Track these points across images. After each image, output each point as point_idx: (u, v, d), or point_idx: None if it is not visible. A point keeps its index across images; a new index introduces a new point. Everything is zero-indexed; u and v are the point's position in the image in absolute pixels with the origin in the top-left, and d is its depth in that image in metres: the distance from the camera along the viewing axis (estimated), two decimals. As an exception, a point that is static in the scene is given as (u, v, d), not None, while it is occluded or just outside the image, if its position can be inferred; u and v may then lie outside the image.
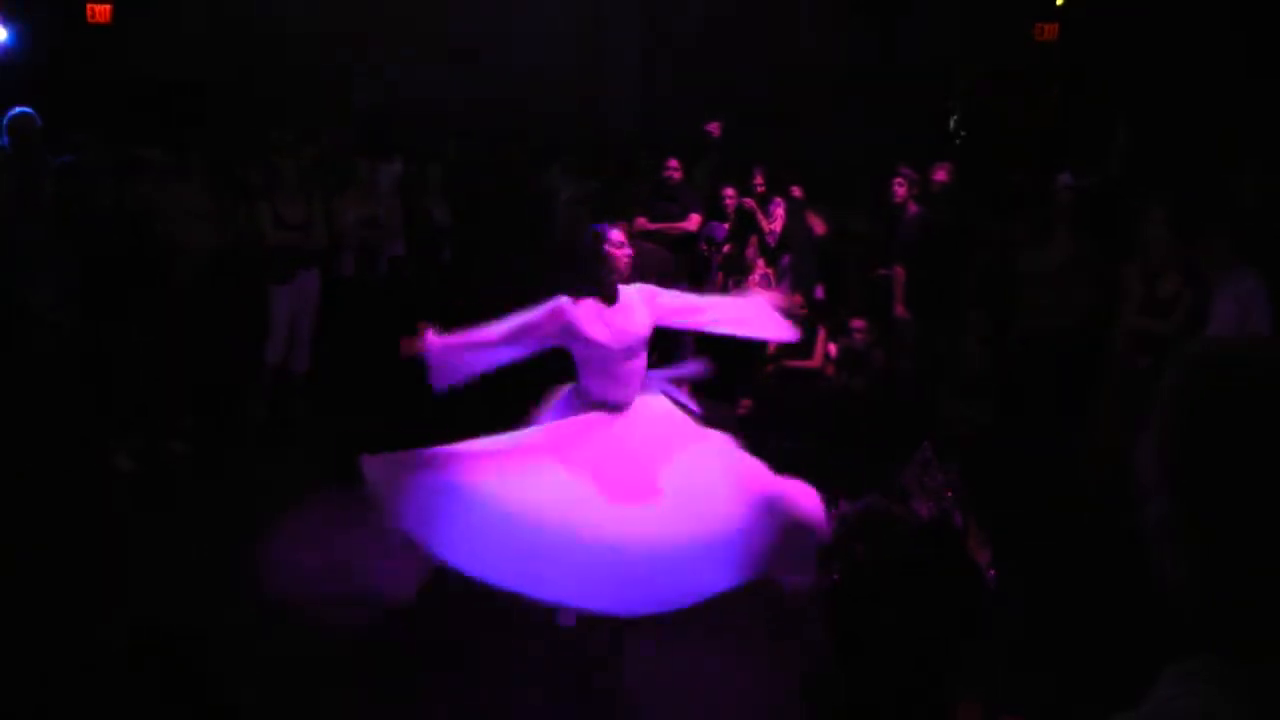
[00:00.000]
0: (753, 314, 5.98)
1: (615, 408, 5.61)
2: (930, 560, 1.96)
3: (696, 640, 5.67)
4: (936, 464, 2.08)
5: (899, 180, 9.87)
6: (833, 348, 9.76)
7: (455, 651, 5.70)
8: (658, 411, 5.75)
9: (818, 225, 10.44)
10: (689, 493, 5.31)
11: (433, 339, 5.24)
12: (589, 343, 5.50)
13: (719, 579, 5.17)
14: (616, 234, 5.73)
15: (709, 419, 6.13)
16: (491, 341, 5.34)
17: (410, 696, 5.39)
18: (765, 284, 10.47)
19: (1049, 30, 13.40)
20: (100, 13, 13.46)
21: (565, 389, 5.80)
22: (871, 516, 2.05)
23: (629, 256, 5.68)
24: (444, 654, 5.67)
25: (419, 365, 5.22)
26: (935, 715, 1.97)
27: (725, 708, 5.34)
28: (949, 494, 2.03)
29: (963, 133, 13.69)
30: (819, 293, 10.17)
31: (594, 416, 5.56)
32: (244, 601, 6.14)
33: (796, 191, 10.79)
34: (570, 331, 5.49)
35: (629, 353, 5.55)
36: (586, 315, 5.52)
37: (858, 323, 9.72)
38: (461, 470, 5.19)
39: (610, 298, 5.61)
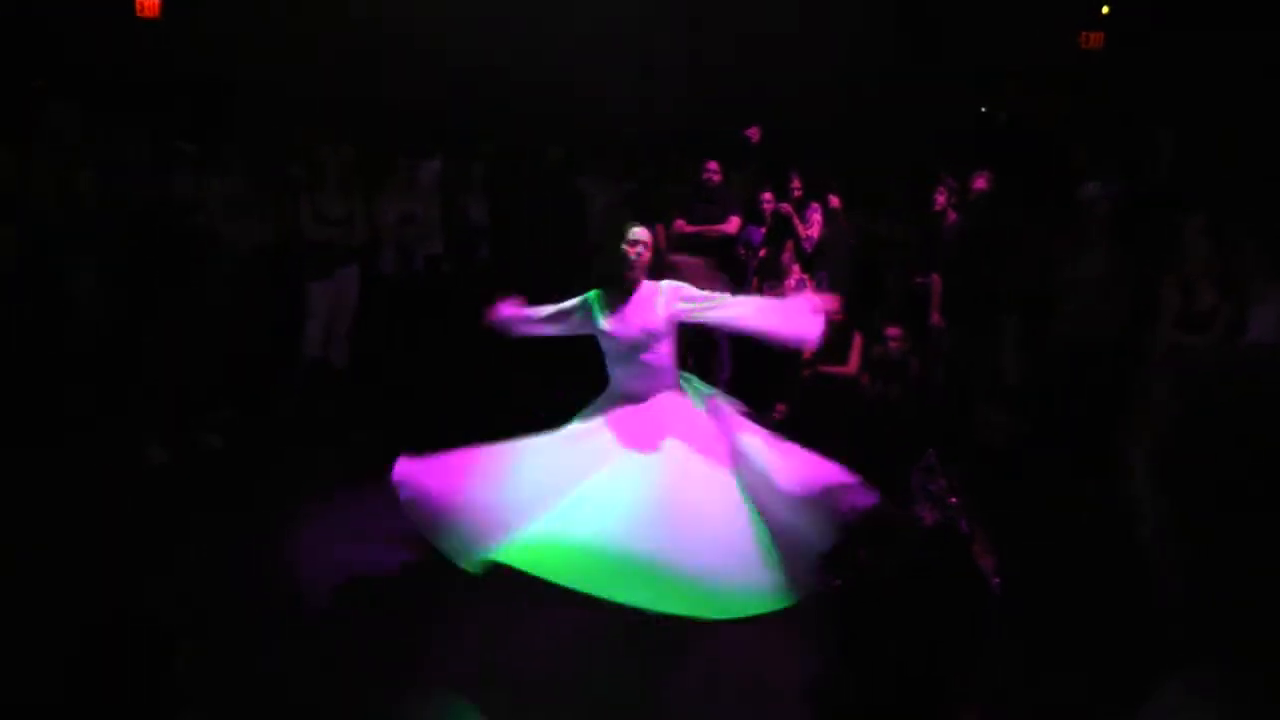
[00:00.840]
0: (777, 313, 6.21)
1: (635, 398, 6.04)
2: (933, 566, 1.97)
3: (709, 635, 5.65)
4: (941, 470, 2.08)
5: (940, 189, 9.84)
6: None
7: (470, 645, 5.70)
8: (677, 410, 6.02)
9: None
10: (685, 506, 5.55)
11: (503, 309, 6.18)
12: (601, 333, 6.05)
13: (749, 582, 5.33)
14: (637, 232, 6.06)
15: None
16: (539, 319, 6.18)
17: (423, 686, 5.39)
18: (800, 290, 10.45)
19: (1094, 38, 13.34)
20: (149, 6, 13.59)
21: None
22: (875, 522, 2.06)
23: (645, 255, 6.05)
24: (460, 648, 5.68)
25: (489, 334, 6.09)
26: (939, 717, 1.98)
27: (732, 704, 5.34)
28: (953, 500, 2.03)
29: (1003, 120, 13.64)
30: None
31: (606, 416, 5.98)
32: (264, 594, 6.21)
33: (835, 202, 10.76)
34: (588, 321, 6.06)
35: (638, 345, 5.99)
36: (602, 307, 6.05)
37: (893, 329, 9.70)
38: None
39: (625, 291, 6.04)
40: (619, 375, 6.12)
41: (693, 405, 6.11)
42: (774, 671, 5.20)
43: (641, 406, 6.02)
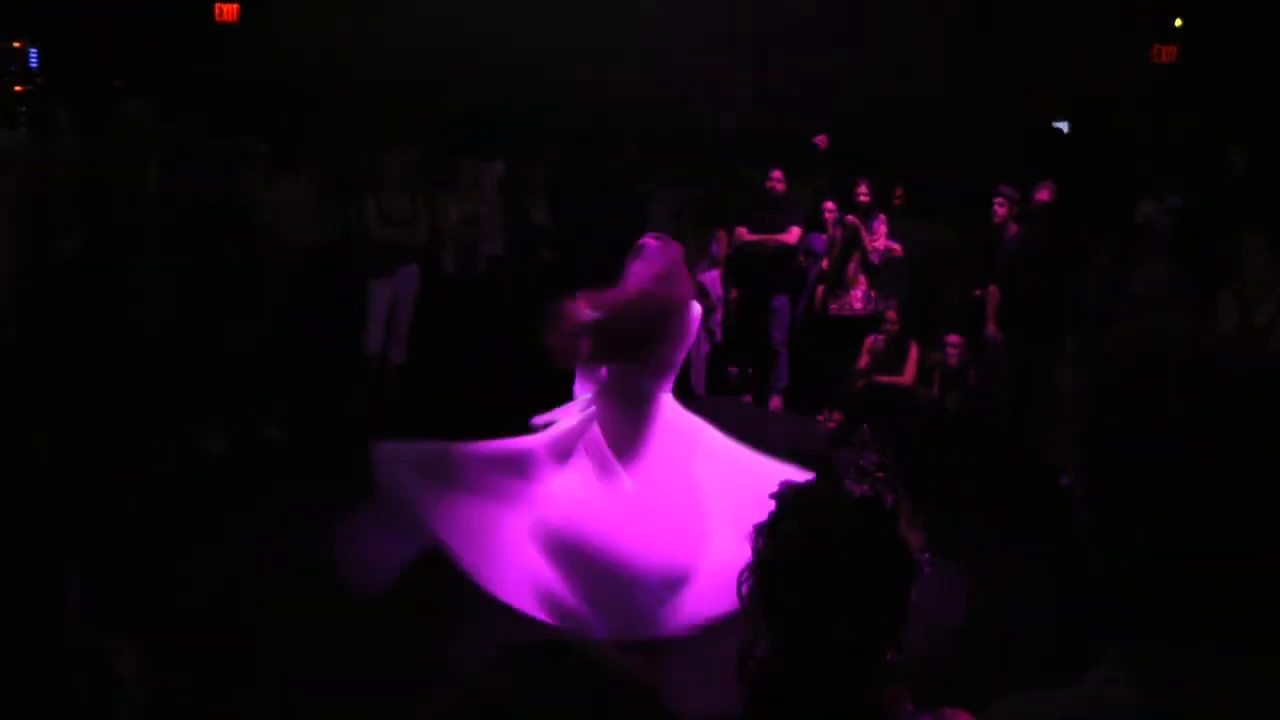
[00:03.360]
0: None
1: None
2: (856, 536, 2.00)
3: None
4: (873, 446, 2.11)
5: (999, 200, 9.78)
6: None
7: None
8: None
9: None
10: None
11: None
12: None
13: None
14: (651, 244, 6.03)
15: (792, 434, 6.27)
16: None
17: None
18: (867, 302, 10.43)
19: (1167, 52, 13.20)
20: (227, 12, 13.87)
21: None
22: (805, 494, 2.09)
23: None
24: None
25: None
26: (862, 693, 2.01)
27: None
28: (880, 475, 2.06)
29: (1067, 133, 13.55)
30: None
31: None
32: (317, 586, 6.30)
33: (899, 191, 10.72)
34: None
35: None
36: None
37: (953, 337, 9.65)
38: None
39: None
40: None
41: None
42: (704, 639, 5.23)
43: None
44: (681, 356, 6.14)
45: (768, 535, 2.07)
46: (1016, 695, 1.39)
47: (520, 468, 5.84)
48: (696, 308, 6.19)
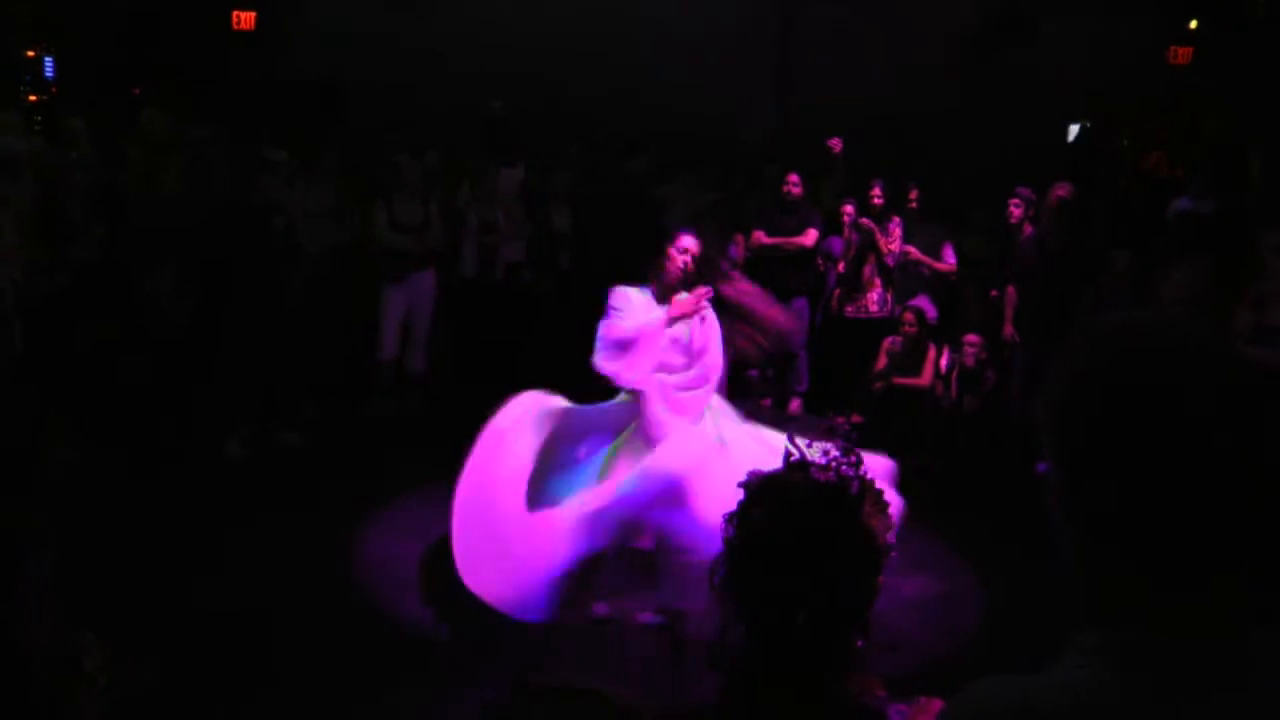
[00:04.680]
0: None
1: None
2: (821, 524, 2.05)
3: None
4: (841, 435, 2.19)
5: (1015, 201, 9.81)
6: (943, 361, 9.74)
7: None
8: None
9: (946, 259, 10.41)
10: None
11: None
12: None
13: None
14: (687, 239, 6.06)
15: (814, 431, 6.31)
16: None
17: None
18: (882, 304, 10.47)
19: (1182, 54, 13.19)
20: (245, 19, 13.91)
21: None
22: (771, 483, 2.14)
23: (688, 263, 6.00)
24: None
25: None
26: (831, 679, 2.05)
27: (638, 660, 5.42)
28: (847, 464, 2.12)
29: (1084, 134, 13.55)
30: (929, 311, 10.11)
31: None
32: (336, 591, 6.35)
33: (913, 194, 10.73)
34: None
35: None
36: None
37: (971, 337, 9.68)
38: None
39: (660, 297, 6.03)
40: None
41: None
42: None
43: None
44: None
45: (736, 523, 2.12)
46: (984, 682, 1.43)
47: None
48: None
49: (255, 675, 5.31)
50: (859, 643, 2.07)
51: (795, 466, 2.15)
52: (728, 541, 2.12)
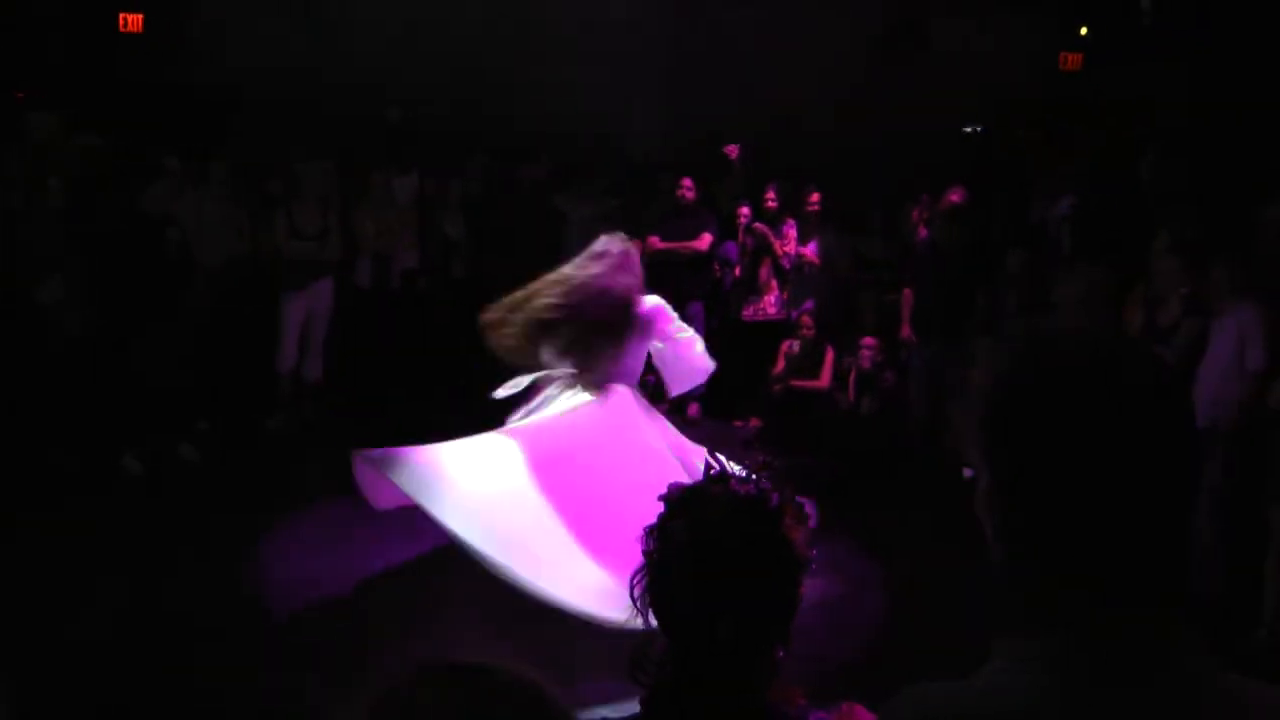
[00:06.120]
0: None
1: None
2: (741, 536, 2.05)
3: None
4: (757, 446, 2.18)
5: (916, 207, 9.95)
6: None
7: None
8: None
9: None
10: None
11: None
12: None
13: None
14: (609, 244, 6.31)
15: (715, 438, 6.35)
16: None
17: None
18: (780, 306, 10.54)
19: (1073, 60, 13.41)
20: (132, 22, 13.61)
21: None
22: (692, 495, 2.12)
23: None
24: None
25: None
26: (752, 690, 2.05)
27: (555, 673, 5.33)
28: (765, 475, 2.12)
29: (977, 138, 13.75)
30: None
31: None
32: (235, 603, 6.23)
33: (814, 197, 10.77)
34: None
35: None
36: None
37: (867, 340, 9.79)
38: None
39: None
40: None
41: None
42: (593, 642, 5.18)
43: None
44: (638, 353, 6.37)
45: (656, 536, 2.11)
46: (913, 688, 1.43)
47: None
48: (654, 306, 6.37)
49: (160, 693, 5.19)
50: (780, 652, 2.07)
51: (715, 479, 2.13)
52: (648, 554, 2.12)
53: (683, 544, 2.05)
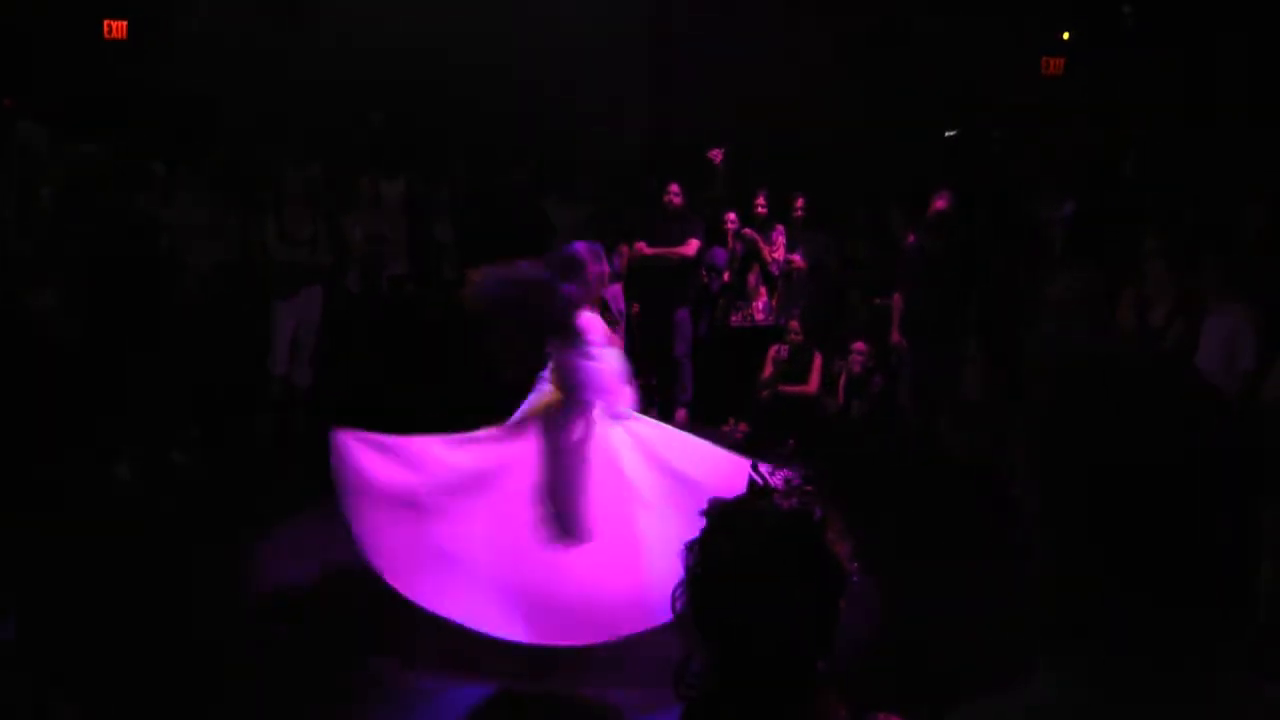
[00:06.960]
0: None
1: None
2: (785, 550, 2.04)
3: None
4: (799, 460, 2.17)
5: (900, 211, 9.99)
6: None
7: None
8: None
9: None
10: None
11: None
12: None
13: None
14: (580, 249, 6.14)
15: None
16: None
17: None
18: (768, 313, 10.56)
19: (1055, 64, 13.46)
20: (117, 29, 13.56)
21: None
22: (735, 510, 2.12)
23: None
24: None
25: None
26: (795, 705, 2.05)
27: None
28: (809, 489, 2.11)
29: (959, 142, 13.81)
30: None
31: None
32: (230, 609, 6.22)
33: (799, 203, 10.80)
34: None
35: None
36: None
37: (858, 344, 9.82)
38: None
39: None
40: None
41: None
42: (642, 649, 5.17)
43: None
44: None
45: (699, 551, 2.10)
46: (965, 712, 1.42)
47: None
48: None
49: (151, 699, 5.18)
50: (822, 666, 2.06)
51: (759, 493, 2.13)
52: (690, 570, 2.10)
53: (727, 559, 2.04)
